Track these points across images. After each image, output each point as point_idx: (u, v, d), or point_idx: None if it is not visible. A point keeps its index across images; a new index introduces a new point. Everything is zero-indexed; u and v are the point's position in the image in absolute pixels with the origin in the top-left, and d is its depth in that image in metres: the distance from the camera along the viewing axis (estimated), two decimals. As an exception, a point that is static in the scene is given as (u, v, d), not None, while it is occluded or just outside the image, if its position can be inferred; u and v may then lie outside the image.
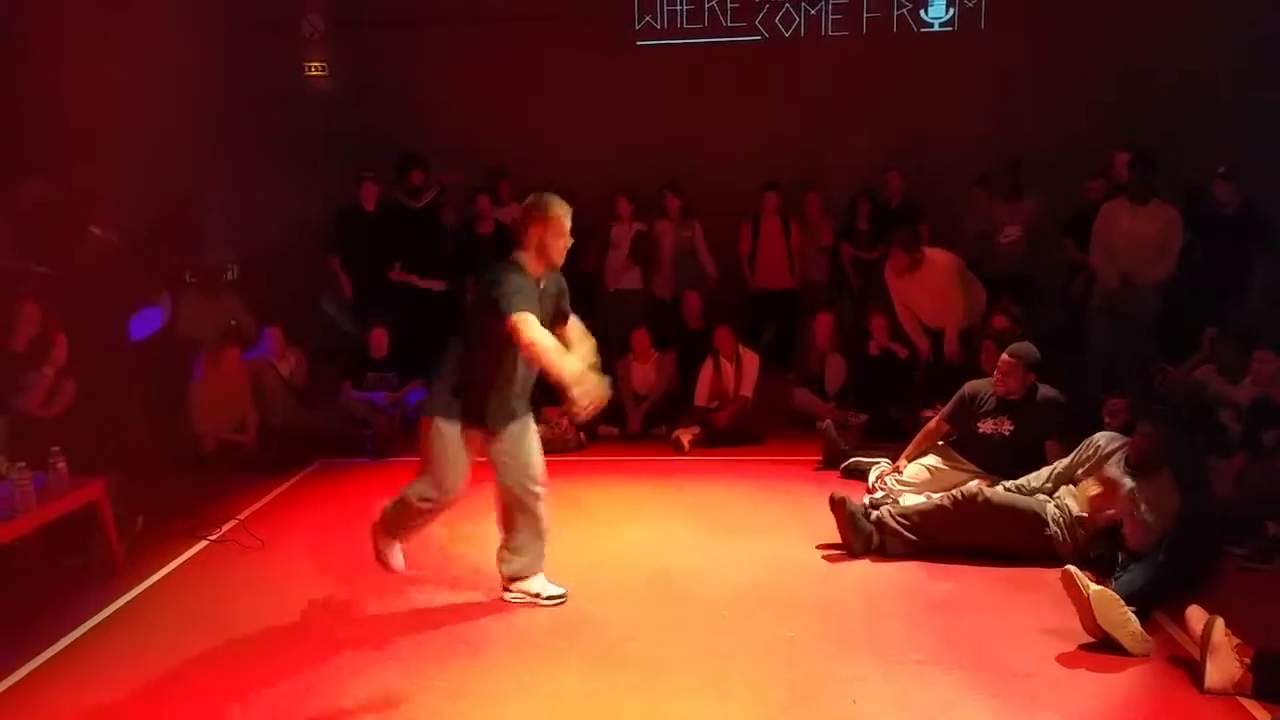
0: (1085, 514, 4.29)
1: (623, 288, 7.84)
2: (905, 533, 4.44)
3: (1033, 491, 4.54)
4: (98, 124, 6.41)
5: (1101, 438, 4.53)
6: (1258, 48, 7.35)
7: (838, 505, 4.52)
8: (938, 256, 6.46)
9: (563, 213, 3.69)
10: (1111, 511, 4.13)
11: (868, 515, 4.55)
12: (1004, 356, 4.95)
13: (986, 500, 4.35)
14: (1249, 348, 5.19)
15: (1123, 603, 3.51)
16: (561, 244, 3.71)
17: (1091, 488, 4.28)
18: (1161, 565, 3.77)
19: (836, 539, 4.53)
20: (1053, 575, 3.76)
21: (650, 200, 7.87)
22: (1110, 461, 4.33)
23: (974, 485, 4.59)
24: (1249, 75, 7.39)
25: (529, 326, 3.45)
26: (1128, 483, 4.04)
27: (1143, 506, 3.98)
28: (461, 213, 7.86)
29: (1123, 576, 3.80)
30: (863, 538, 4.46)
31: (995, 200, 7.32)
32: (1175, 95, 7.56)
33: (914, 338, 6.67)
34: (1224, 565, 4.14)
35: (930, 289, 6.45)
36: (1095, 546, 4.22)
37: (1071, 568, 3.62)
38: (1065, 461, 4.58)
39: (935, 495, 4.75)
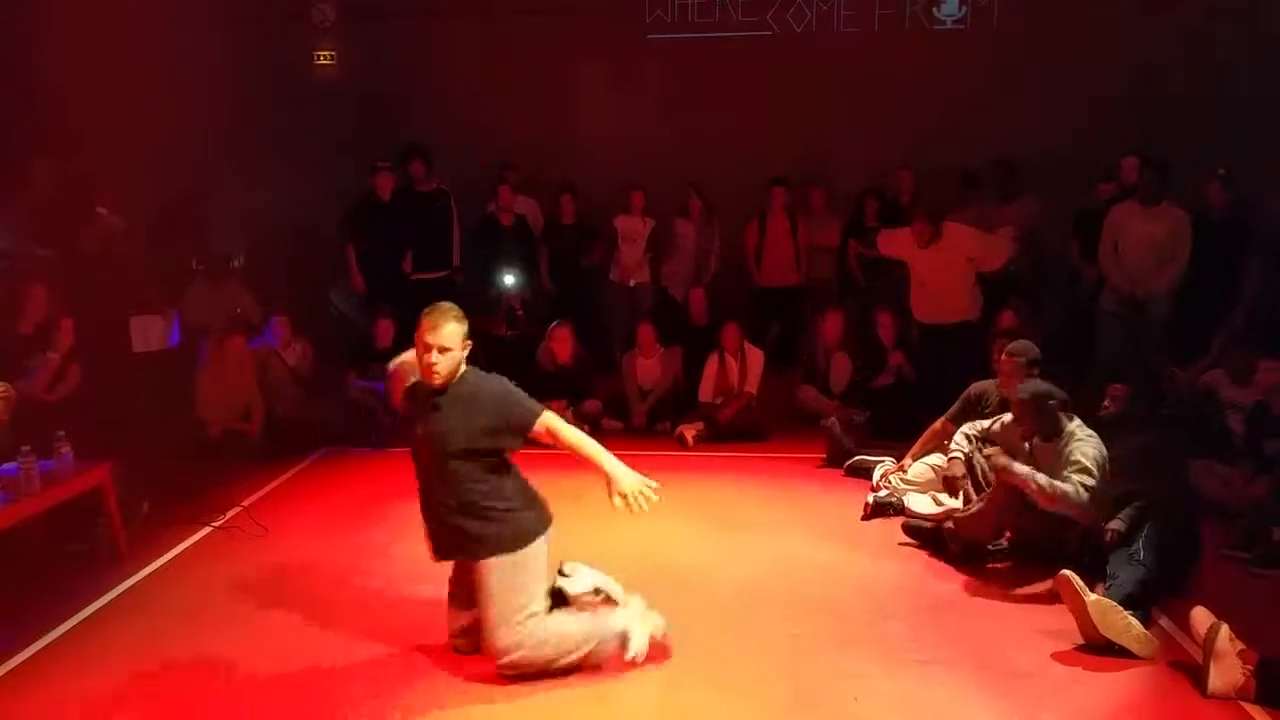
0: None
1: (637, 282, 7.86)
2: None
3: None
4: (108, 110, 6.40)
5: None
6: (1271, 45, 7.32)
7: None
8: (956, 229, 6.40)
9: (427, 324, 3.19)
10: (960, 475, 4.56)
11: (885, 511, 4.84)
12: (1003, 357, 4.90)
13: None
14: (1258, 354, 5.17)
15: (1121, 609, 3.49)
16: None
17: (995, 458, 4.26)
18: (1146, 563, 3.75)
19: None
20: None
21: (658, 195, 7.86)
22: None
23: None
24: (1262, 74, 7.36)
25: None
26: (1018, 469, 4.04)
27: (1039, 476, 3.99)
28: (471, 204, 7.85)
29: (1112, 583, 3.77)
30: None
31: (987, 202, 7.27)
32: (1186, 94, 7.53)
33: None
34: (1205, 553, 4.11)
35: (947, 264, 6.36)
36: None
37: (1066, 572, 3.58)
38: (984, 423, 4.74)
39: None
